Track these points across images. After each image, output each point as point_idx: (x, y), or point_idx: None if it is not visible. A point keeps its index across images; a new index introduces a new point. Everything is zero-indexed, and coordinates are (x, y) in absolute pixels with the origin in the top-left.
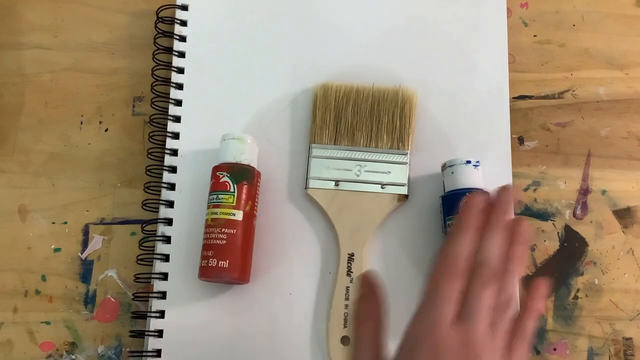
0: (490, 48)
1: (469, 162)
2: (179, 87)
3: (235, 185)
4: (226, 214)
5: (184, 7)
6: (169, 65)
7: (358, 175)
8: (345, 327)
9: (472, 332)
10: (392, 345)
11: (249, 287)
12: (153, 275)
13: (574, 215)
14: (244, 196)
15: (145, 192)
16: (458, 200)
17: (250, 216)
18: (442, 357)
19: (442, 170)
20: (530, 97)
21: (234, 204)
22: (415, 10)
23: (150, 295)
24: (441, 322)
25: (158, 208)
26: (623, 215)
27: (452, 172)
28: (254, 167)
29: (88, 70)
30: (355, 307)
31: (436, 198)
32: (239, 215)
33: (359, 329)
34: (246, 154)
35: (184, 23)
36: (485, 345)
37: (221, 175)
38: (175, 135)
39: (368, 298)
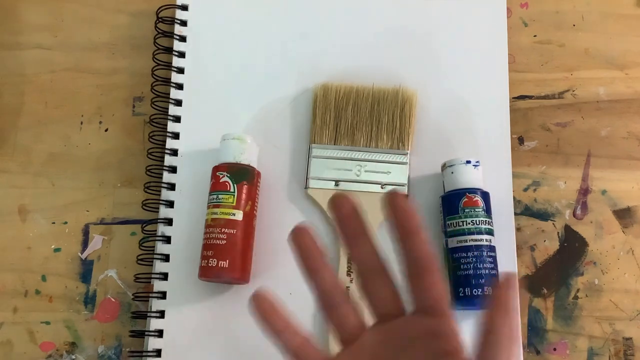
0: (490, 48)
1: (468, 162)
2: (179, 87)
3: (235, 185)
4: (226, 214)
5: (184, 7)
6: (169, 65)
7: (358, 175)
8: None
9: None
10: None
11: (249, 287)
12: (153, 275)
13: (574, 215)
14: (244, 196)
15: (145, 192)
16: (458, 200)
17: (250, 216)
18: None
19: (442, 170)
20: (530, 97)
21: (234, 204)
22: (415, 10)
23: (150, 295)
24: None
25: (158, 208)
26: (623, 215)
27: (452, 172)
28: (254, 167)
29: (88, 70)
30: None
31: (436, 198)
32: (239, 215)
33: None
34: (246, 154)
35: (184, 23)
36: None
37: (221, 175)
38: (175, 135)
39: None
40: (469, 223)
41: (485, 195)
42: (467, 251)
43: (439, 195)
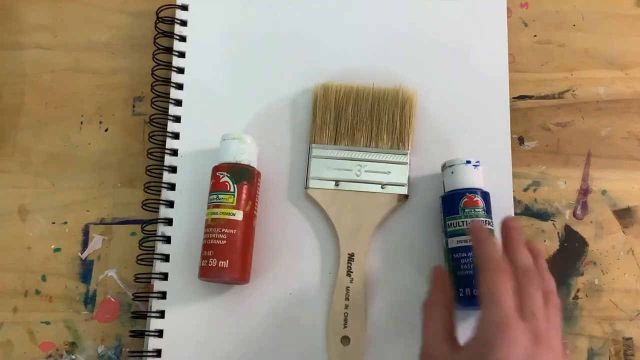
0: (490, 48)
1: (468, 162)
2: (179, 87)
3: (235, 185)
4: (226, 214)
5: (184, 7)
6: (169, 65)
7: (358, 175)
8: (345, 327)
9: (536, 328)
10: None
11: (249, 287)
12: (153, 275)
13: (574, 215)
14: (244, 196)
15: (145, 192)
16: (458, 200)
17: (250, 216)
18: (518, 348)
19: (442, 170)
20: (530, 97)
21: (234, 204)
22: (415, 10)
23: (150, 295)
24: (511, 317)
25: (158, 208)
26: (623, 215)
27: (452, 172)
28: (254, 167)
29: (88, 70)
30: (426, 295)
31: (436, 198)
32: (239, 215)
33: (430, 311)
34: (246, 154)
35: (184, 23)
36: (545, 340)
37: (221, 175)
38: (175, 135)
39: (437, 288)
40: (469, 223)
41: (486, 195)
42: (467, 251)
43: (439, 196)
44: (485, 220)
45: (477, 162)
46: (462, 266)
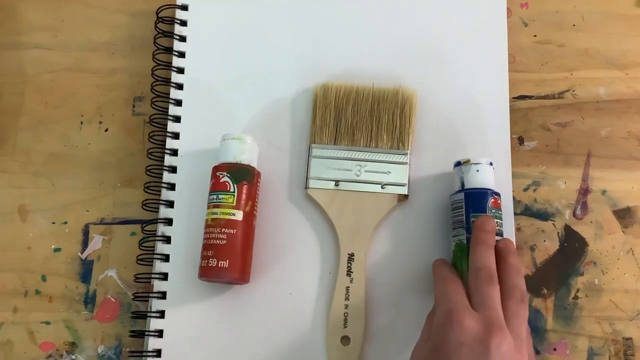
0: (490, 48)
1: (490, 163)
2: (179, 87)
3: (235, 185)
4: (226, 214)
5: (184, 7)
6: (169, 65)
7: (358, 175)
8: (345, 327)
9: (489, 317)
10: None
11: (249, 287)
12: (153, 275)
13: (574, 215)
14: (244, 196)
15: (145, 192)
16: (486, 199)
17: (250, 216)
18: (467, 332)
19: (460, 166)
20: (530, 97)
21: (234, 204)
22: (415, 10)
23: (150, 295)
24: (460, 306)
25: (158, 208)
26: (623, 215)
27: (478, 170)
28: (254, 167)
29: (88, 70)
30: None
31: (436, 198)
32: (239, 215)
33: (447, 279)
34: (246, 154)
35: (184, 23)
36: (499, 327)
37: (221, 175)
38: (175, 135)
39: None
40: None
41: (500, 198)
42: None
43: (458, 189)
44: (501, 223)
45: (490, 162)
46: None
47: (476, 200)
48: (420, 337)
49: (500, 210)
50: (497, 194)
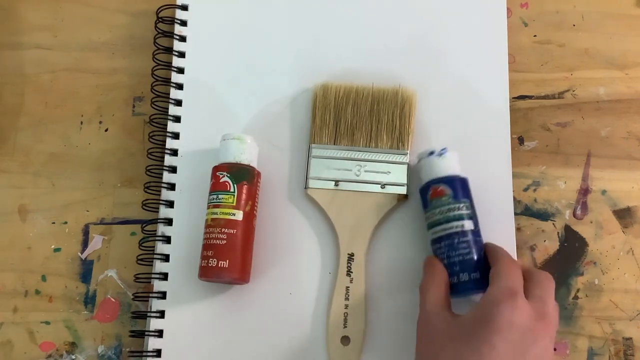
0: (490, 48)
1: (431, 152)
2: (179, 87)
3: (235, 185)
4: (226, 214)
5: (184, 7)
6: (169, 65)
7: (358, 175)
8: (345, 327)
9: (542, 309)
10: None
11: (249, 287)
12: (153, 275)
13: (574, 215)
14: (244, 196)
15: (145, 192)
16: (426, 194)
17: (250, 216)
18: (522, 317)
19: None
20: (530, 97)
21: (234, 204)
22: (414, 10)
23: (150, 295)
24: (519, 290)
25: (158, 208)
26: (623, 215)
27: (421, 167)
28: (254, 167)
29: (88, 70)
30: (422, 280)
31: None
32: (239, 215)
33: (427, 286)
34: (246, 154)
35: (184, 23)
36: (548, 321)
37: (221, 175)
38: (175, 135)
39: (431, 270)
40: (437, 214)
41: (454, 182)
42: (439, 242)
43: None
44: (455, 207)
45: (443, 150)
46: (439, 257)
47: (422, 198)
48: (432, 309)
49: (445, 197)
50: (439, 182)
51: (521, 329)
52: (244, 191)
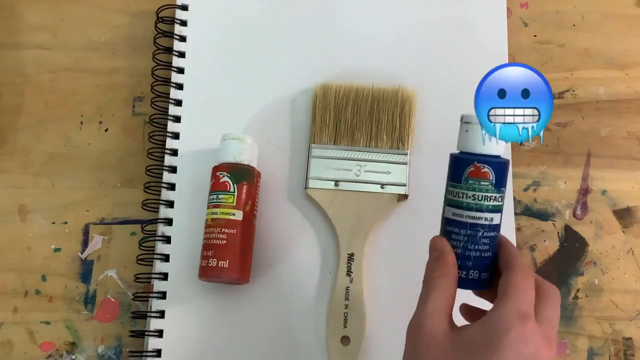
0: (490, 48)
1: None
2: (179, 87)
3: (235, 185)
4: (226, 214)
5: (184, 7)
6: (169, 65)
7: (358, 175)
8: (345, 327)
9: (550, 334)
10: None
11: (249, 287)
12: (153, 275)
13: (574, 215)
14: (244, 196)
15: (145, 192)
16: (463, 168)
17: (250, 216)
18: (531, 344)
19: (460, 124)
20: None
21: (234, 204)
22: (414, 10)
23: (150, 295)
24: (528, 314)
25: (158, 208)
26: (623, 215)
27: (467, 131)
28: (254, 167)
29: (88, 70)
30: (426, 268)
31: (436, 198)
32: (239, 215)
33: (432, 283)
34: (246, 154)
35: (184, 23)
36: (554, 348)
37: (221, 175)
38: (175, 135)
39: (439, 259)
40: (470, 197)
41: (500, 167)
42: (460, 227)
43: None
44: (492, 196)
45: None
46: (451, 242)
47: (454, 168)
48: (431, 314)
49: (485, 182)
50: (486, 161)
51: (529, 358)
52: (244, 191)
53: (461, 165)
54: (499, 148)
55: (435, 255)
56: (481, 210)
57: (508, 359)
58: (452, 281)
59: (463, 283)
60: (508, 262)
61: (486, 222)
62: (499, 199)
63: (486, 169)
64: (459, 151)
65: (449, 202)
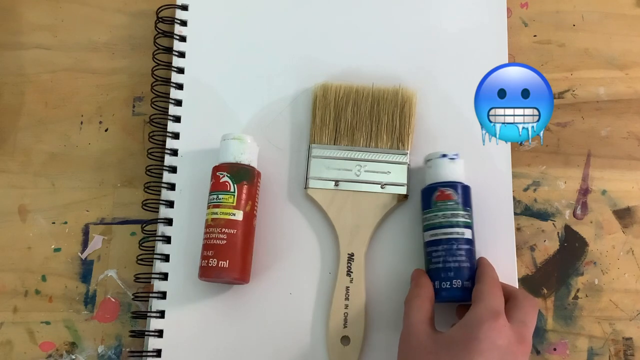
0: (490, 48)
1: (444, 155)
2: (179, 87)
3: (235, 185)
4: (226, 214)
5: (184, 7)
6: (169, 65)
7: (358, 175)
8: (345, 327)
9: (523, 333)
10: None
11: (249, 287)
12: (153, 275)
13: (574, 215)
14: (244, 196)
15: (145, 192)
16: (431, 194)
17: (250, 216)
18: (503, 339)
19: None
20: None
21: (234, 204)
22: (415, 10)
23: (150, 295)
24: (502, 312)
25: (158, 208)
26: (623, 215)
27: (430, 167)
28: (254, 167)
29: (88, 70)
30: (408, 293)
31: None
32: (239, 215)
33: (412, 302)
34: (246, 154)
35: (184, 23)
36: (528, 345)
37: (221, 176)
38: (175, 135)
39: (417, 283)
40: (440, 217)
41: (463, 189)
42: (437, 245)
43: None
44: (460, 214)
45: (455, 154)
46: (432, 260)
47: (424, 198)
48: (413, 324)
49: (451, 202)
50: (448, 185)
51: (502, 350)
52: (244, 191)
53: (429, 194)
54: (459, 176)
55: (414, 281)
56: (452, 226)
57: (484, 351)
58: (428, 297)
59: (449, 292)
60: (480, 275)
61: (459, 236)
62: (467, 217)
63: (449, 191)
64: (426, 185)
65: (425, 229)
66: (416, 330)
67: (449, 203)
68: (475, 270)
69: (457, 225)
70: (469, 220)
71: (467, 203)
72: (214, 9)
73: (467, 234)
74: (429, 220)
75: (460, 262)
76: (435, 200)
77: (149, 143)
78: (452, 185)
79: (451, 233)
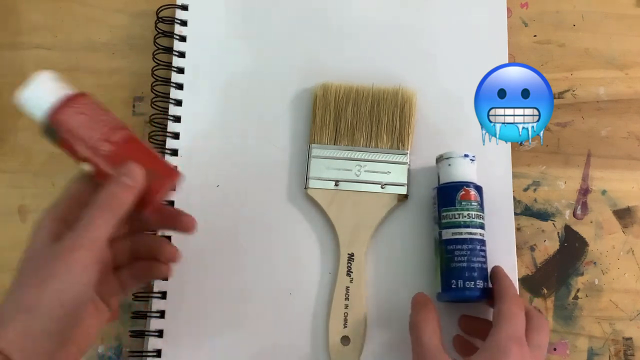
0: (490, 48)
1: (466, 155)
2: (179, 87)
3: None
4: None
5: (184, 7)
6: (169, 65)
7: (358, 175)
8: (345, 327)
9: (542, 358)
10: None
11: (249, 287)
12: None
13: (574, 215)
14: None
15: None
16: (455, 193)
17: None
18: None
19: (437, 162)
20: None
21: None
22: (415, 10)
23: (150, 295)
24: (523, 339)
25: None
26: (623, 215)
27: (450, 165)
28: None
29: (88, 70)
30: (410, 318)
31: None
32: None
33: (422, 327)
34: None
35: (184, 23)
36: None
37: None
38: (175, 135)
39: (423, 308)
40: (465, 216)
41: (480, 190)
42: (462, 244)
43: (433, 187)
44: (480, 215)
45: (474, 156)
46: (455, 258)
47: (445, 195)
48: (433, 352)
49: (475, 202)
50: (472, 186)
51: None
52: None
53: (452, 191)
54: (475, 178)
55: (417, 305)
56: (475, 227)
57: None
58: (438, 320)
59: (472, 292)
60: (501, 293)
61: (481, 237)
62: (482, 218)
63: (474, 192)
64: (444, 182)
65: (445, 226)
66: (433, 355)
67: (473, 203)
68: (491, 277)
69: (479, 226)
70: (484, 222)
71: (483, 205)
72: (214, 9)
73: (485, 235)
74: (450, 218)
75: (482, 262)
76: (460, 199)
77: (149, 143)
78: (476, 186)
79: (475, 233)
